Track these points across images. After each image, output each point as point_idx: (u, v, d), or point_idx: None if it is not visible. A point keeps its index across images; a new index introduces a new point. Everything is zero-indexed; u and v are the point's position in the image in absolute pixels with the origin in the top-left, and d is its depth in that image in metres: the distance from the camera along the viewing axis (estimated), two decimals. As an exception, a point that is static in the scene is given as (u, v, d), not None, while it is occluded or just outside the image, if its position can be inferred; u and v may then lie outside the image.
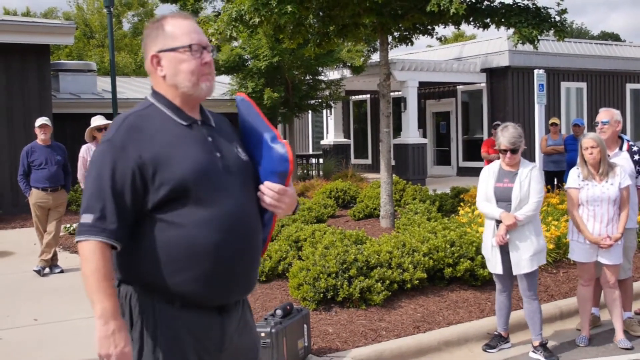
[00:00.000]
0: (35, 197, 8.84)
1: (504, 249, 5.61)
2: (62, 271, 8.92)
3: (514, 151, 5.60)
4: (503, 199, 5.60)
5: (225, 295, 2.51)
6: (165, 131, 2.42)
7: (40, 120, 9.02)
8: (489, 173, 5.80)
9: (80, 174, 8.73)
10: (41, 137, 8.92)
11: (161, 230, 2.36)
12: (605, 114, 6.48)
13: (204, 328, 2.47)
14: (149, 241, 2.37)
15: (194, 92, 2.48)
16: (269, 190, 2.55)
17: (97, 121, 8.66)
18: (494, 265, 5.73)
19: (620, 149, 6.44)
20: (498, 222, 5.58)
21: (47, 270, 8.83)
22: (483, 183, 5.80)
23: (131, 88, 22.09)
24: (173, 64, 2.46)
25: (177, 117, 2.48)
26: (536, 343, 5.65)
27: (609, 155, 6.01)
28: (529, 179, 5.58)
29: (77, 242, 2.33)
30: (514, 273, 5.61)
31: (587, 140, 5.92)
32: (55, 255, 8.98)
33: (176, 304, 2.41)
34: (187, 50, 2.45)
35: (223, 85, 21.53)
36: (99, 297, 2.26)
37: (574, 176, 6.04)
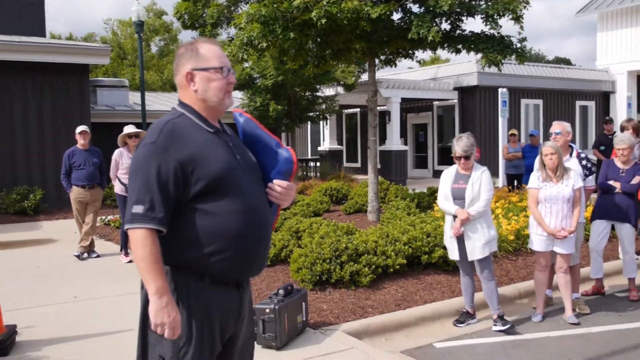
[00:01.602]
0: (75, 193, 8.84)
1: (460, 239, 5.67)
2: (98, 256, 8.91)
3: (467, 158, 5.67)
4: (459, 197, 5.65)
5: (245, 272, 2.59)
6: (198, 136, 2.47)
7: (81, 128, 9.01)
8: (448, 176, 5.85)
9: (112, 174, 8.72)
10: (81, 142, 8.91)
11: (197, 218, 2.41)
12: (558, 126, 6.52)
13: (227, 300, 2.53)
14: (186, 227, 2.41)
15: (219, 106, 2.55)
16: (278, 186, 2.64)
17: (128, 129, 8.66)
18: (453, 253, 5.81)
19: (570, 155, 6.47)
20: (455, 216, 5.62)
21: (85, 255, 8.82)
22: (443, 184, 5.85)
23: (157, 101, 22.07)
24: (205, 81, 2.51)
25: (204, 124, 2.52)
26: (495, 316, 5.69)
27: (562, 161, 6.04)
28: (480, 180, 5.62)
29: (128, 229, 2.35)
30: (469, 259, 5.66)
31: (547, 148, 5.95)
32: (92, 242, 8.97)
33: (205, 281, 2.45)
34: (218, 72, 2.52)
35: (235, 99, 21.52)
36: (152, 276, 2.31)
37: (534, 178, 6.06)
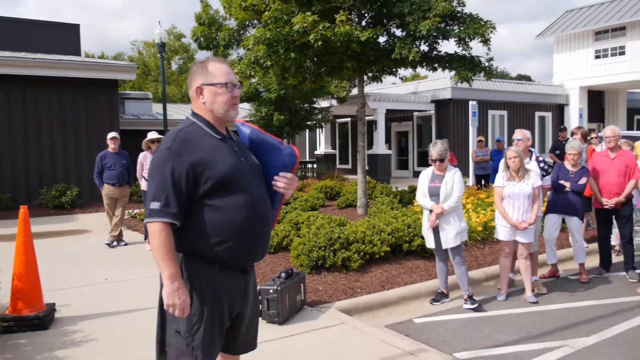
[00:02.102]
0: (106, 190, 8.82)
1: (436, 230, 5.67)
2: (126, 244, 8.89)
3: (441, 160, 5.67)
4: (434, 194, 5.65)
5: (249, 259, 2.58)
6: (207, 142, 2.47)
7: (111, 134, 9.00)
8: (425, 176, 5.85)
9: (138, 174, 8.72)
10: (111, 147, 8.90)
11: (207, 212, 2.42)
12: (519, 133, 6.53)
13: (234, 284, 2.54)
14: (198, 220, 2.42)
15: (224, 117, 2.55)
16: (283, 177, 2.66)
17: (151, 135, 8.64)
18: (429, 242, 5.81)
19: (530, 158, 6.48)
20: (431, 211, 5.63)
21: (115, 243, 8.80)
22: (421, 183, 5.84)
23: (177, 112, 22.03)
24: (212, 95, 2.52)
25: (212, 132, 2.53)
26: (465, 296, 5.70)
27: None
28: (452, 180, 5.62)
29: (146, 223, 2.36)
30: (443, 247, 5.67)
31: (511, 152, 5.98)
32: (121, 232, 8.96)
33: (215, 267, 2.47)
34: (223, 87, 2.52)
35: (244, 110, 21.48)
36: (166, 264, 2.32)
37: (500, 178, 6.08)
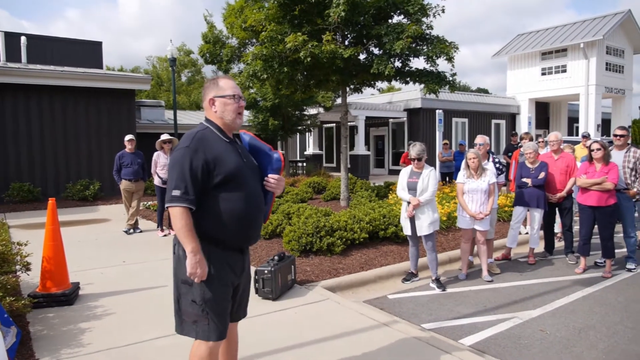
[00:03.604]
0: (124, 185, 8.72)
1: (412, 220, 5.66)
2: (141, 231, 8.79)
3: (419, 159, 5.66)
4: (412, 188, 5.64)
5: (247, 242, 2.66)
6: (218, 143, 2.55)
7: (129, 136, 8.88)
8: (405, 172, 5.83)
9: (152, 170, 8.60)
10: (128, 147, 8.78)
11: (214, 202, 2.49)
12: (480, 139, 6.56)
13: (235, 261, 2.63)
14: (208, 207, 2.49)
15: (232, 124, 2.65)
16: (272, 179, 2.74)
17: (164, 137, 8.55)
18: (406, 230, 5.78)
19: (488, 159, 6.51)
20: (409, 202, 5.63)
21: (131, 230, 8.70)
22: (401, 178, 5.83)
23: (186, 117, 21.85)
24: (222, 105, 2.61)
25: (222, 136, 2.62)
26: (434, 277, 5.70)
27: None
28: (428, 177, 5.61)
29: (168, 207, 2.43)
30: (418, 235, 5.66)
31: (470, 153, 6.00)
32: (136, 221, 8.85)
33: (220, 247, 2.54)
34: (231, 98, 2.62)
35: (244, 116, 21.32)
36: (189, 240, 2.41)
37: (461, 175, 6.10)
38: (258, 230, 2.68)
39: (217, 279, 2.51)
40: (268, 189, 2.74)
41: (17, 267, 4.63)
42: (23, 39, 16.33)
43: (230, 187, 2.49)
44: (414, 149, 5.68)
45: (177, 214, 2.39)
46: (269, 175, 2.74)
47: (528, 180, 6.61)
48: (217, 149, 2.50)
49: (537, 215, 6.65)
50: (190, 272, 2.42)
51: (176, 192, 2.40)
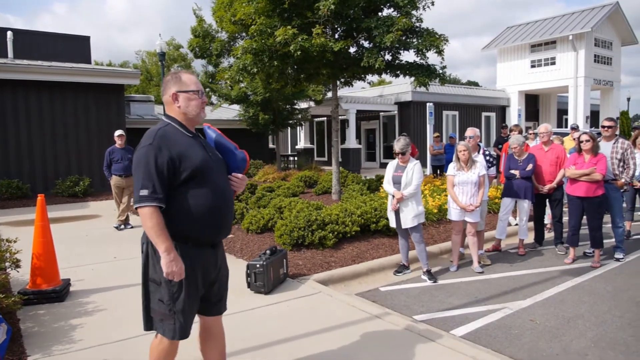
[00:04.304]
0: (114, 180, 8.66)
1: (397, 212, 5.69)
2: (132, 227, 8.75)
3: (403, 153, 5.68)
4: (397, 182, 5.67)
5: (217, 236, 2.63)
6: (182, 139, 2.51)
7: (118, 132, 8.81)
8: (391, 166, 5.86)
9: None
10: (118, 142, 8.72)
11: (182, 199, 2.46)
12: (471, 132, 6.58)
13: (206, 257, 2.60)
14: (174, 205, 2.45)
15: (196, 118, 2.62)
16: (235, 177, 2.73)
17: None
18: (392, 222, 5.82)
19: (478, 152, 6.54)
20: (393, 196, 5.65)
21: (122, 226, 8.66)
22: (387, 172, 5.86)
23: (176, 112, 21.71)
24: (186, 100, 2.57)
25: (185, 131, 2.57)
26: (425, 269, 5.74)
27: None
28: (412, 171, 5.63)
29: (137, 208, 2.38)
30: (402, 227, 5.68)
31: (461, 146, 6.02)
32: (127, 217, 8.80)
33: (189, 244, 2.51)
34: (195, 93, 2.59)
35: (235, 110, 21.25)
36: (161, 239, 2.37)
37: (451, 168, 6.12)
38: (228, 223, 2.66)
39: (187, 277, 2.49)
40: (231, 187, 2.73)
41: (7, 264, 4.58)
42: (9, 33, 16.10)
43: (198, 182, 2.46)
44: (398, 144, 5.71)
45: (147, 213, 2.35)
46: (233, 174, 2.73)
47: (516, 172, 6.66)
48: (181, 145, 2.46)
49: (525, 206, 6.70)
50: (166, 272, 2.38)
51: (144, 192, 2.35)
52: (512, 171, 6.70)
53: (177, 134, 2.51)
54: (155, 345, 2.58)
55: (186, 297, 2.49)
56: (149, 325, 2.57)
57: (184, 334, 2.53)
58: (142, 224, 2.39)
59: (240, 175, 2.74)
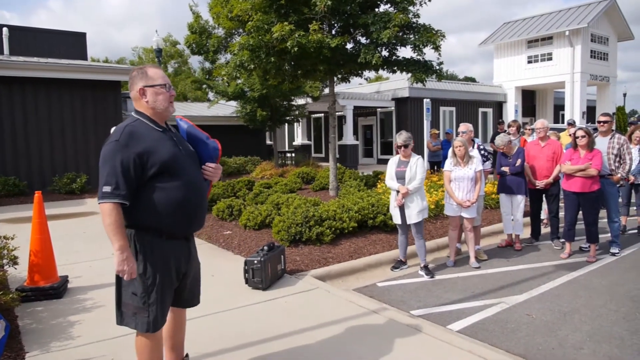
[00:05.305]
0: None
1: (401, 208, 5.69)
2: (129, 224, 8.75)
3: (405, 146, 5.67)
4: (400, 177, 5.67)
5: (190, 229, 2.67)
6: (150, 134, 2.52)
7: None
8: (393, 162, 5.86)
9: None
10: (115, 139, 8.69)
11: (153, 193, 2.47)
12: (463, 127, 6.59)
13: (179, 250, 2.64)
14: (146, 199, 2.47)
15: (165, 112, 2.62)
16: (209, 167, 2.75)
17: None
18: (396, 218, 5.82)
19: (473, 147, 6.55)
20: (398, 191, 5.65)
21: (120, 223, 8.65)
22: (389, 168, 5.85)
23: (173, 109, 21.64)
24: (154, 95, 2.58)
25: (154, 126, 2.58)
26: (422, 265, 5.75)
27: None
28: (416, 165, 5.64)
29: (99, 203, 2.39)
30: (407, 223, 5.69)
31: (457, 142, 6.03)
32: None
33: (162, 237, 2.55)
34: (162, 87, 2.59)
35: (232, 107, 21.19)
36: (117, 237, 2.38)
37: (448, 163, 6.13)
38: (201, 216, 2.69)
39: (161, 270, 2.52)
40: (205, 177, 2.74)
41: (4, 261, 4.58)
42: (5, 30, 16.02)
43: (168, 176, 2.47)
44: (400, 137, 5.69)
45: (107, 210, 2.35)
46: (207, 164, 2.75)
47: (506, 169, 6.70)
48: (149, 140, 2.46)
49: (518, 201, 6.73)
50: (117, 269, 2.40)
51: (106, 188, 2.36)
52: (503, 168, 6.75)
53: (145, 129, 2.51)
54: (139, 346, 2.62)
55: (160, 290, 2.53)
56: (120, 319, 2.60)
57: (157, 326, 2.57)
58: (102, 219, 2.41)
59: (213, 164, 2.75)
